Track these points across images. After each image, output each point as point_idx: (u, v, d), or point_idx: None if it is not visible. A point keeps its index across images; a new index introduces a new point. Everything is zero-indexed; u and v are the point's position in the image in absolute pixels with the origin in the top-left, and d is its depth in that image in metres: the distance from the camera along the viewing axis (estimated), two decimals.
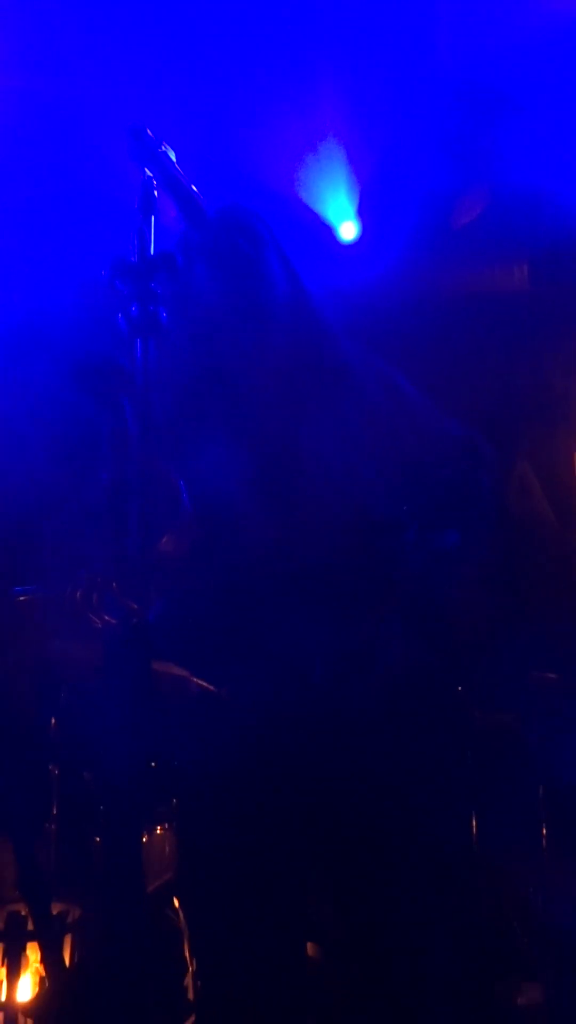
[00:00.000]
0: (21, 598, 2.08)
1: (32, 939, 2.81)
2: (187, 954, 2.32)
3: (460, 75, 3.90)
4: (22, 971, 2.92)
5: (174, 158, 1.98)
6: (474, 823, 3.53)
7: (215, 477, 2.12)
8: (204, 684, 2.15)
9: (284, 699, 2.11)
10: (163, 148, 1.96)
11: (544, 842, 3.43)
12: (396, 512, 2.25)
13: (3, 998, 2.88)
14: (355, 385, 2.31)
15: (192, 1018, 2.64)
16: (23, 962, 2.92)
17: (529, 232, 4.18)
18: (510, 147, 4.06)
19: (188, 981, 2.62)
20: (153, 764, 2.07)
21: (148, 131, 1.95)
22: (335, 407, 2.26)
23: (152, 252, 1.92)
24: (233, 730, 2.10)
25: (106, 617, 1.83)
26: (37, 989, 2.91)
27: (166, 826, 3.01)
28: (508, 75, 3.89)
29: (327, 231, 4.18)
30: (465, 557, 2.44)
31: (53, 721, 3.57)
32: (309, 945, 2.28)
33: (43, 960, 2.43)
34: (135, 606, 1.77)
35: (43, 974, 2.90)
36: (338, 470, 2.20)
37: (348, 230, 4.18)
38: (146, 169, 1.96)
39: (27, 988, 2.92)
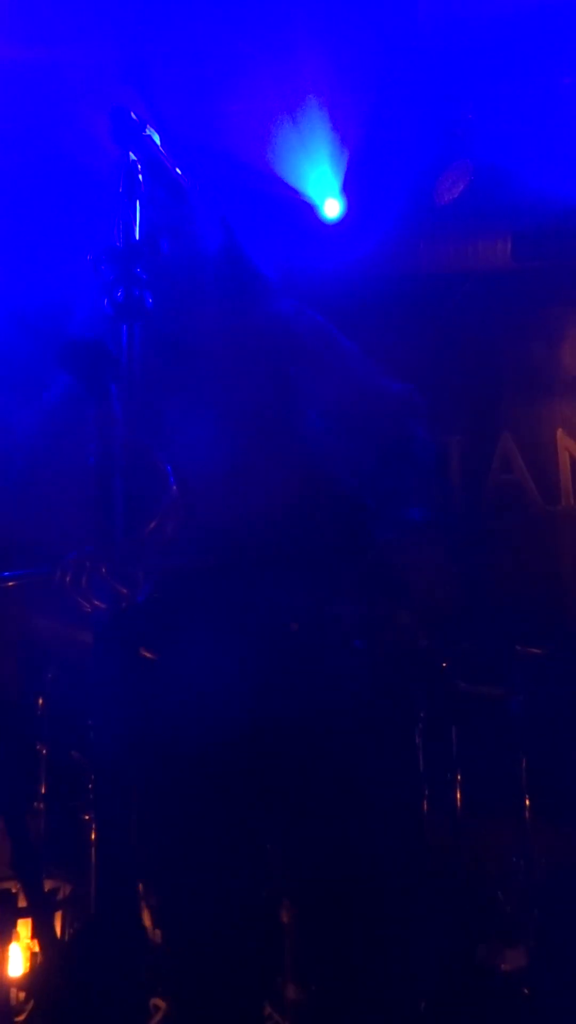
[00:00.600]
0: (9, 583, 2.08)
1: (22, 916, 2.84)
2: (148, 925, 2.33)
3: (442, 48, 3.89)
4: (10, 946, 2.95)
5: (158, 141, 1.97)
6: (458, 793, 3.59)
7: (185, 451, 2.12)
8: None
9: (261, 673, 2.12)
10: (147, 131, 1.96)
11: (527, 812, 3.49)
12: (353, 483, 2.25)
13: None
14: (295, 339, 2.30)
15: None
16: (13, 938, 2.95)
17: (511, 207, 4.18)
18: (492, 122, 4.05)
19: None
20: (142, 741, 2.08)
21: (132, 113, 1.94)
22: (277, 361, 2.26)
23: (136, 236, 1.92)
24: (213, 704, 2.11)
25: (95, 601, 1.84)
26: (29, 964, 2.95)
27: None
28: (491, 47, 3.88)
29: (310, 209, 4.17)
30: (408, 515, 2.44)
31: (40, 700, 3.60)
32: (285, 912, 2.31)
33: (36, 935, 2.46)
34: (124, 590, 1.79)
35: (35, 949, 2.94)
36: (288, 428, 2.20)
37: (332, 208, 4.17)
38: (130, 152, 1.95)
39: (18, 963, 2.96)
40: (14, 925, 2.95)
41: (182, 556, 2.00)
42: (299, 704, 2.13)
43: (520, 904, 3.44)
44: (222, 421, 2.13)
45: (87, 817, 3.28)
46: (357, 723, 2.25)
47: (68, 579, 1.89)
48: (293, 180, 3.99)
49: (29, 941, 2.94)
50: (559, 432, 4.66)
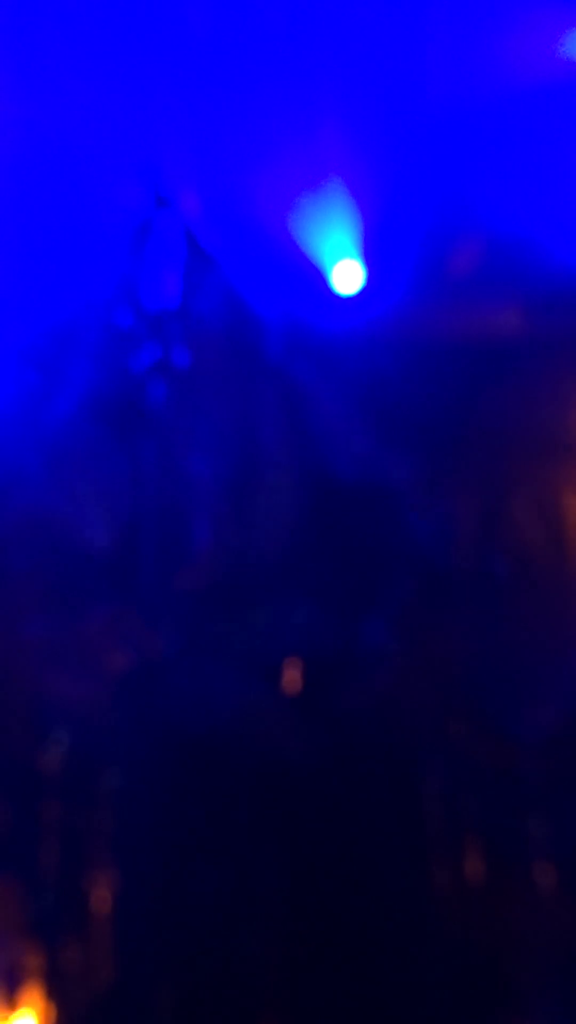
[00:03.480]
0: (31, 639, 2.08)
1: (34, 977, 2.79)
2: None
3: (454, 120, 4.00)
4: (19, 1009, 2.90)
5: (189, 204, 2.03)
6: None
7: (214, 505, 2.14)
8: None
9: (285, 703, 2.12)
10: (177, 195, 2.01)
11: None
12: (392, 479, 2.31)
13: None
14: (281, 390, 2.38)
15: None
16: (21, 1001, 2.90)
17: (526, 279, 4.25)
18: (505, 193, 4.14)
19: None
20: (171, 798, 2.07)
21: (162, 177, 2.00)
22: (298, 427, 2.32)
23: (171, 299, 1.97)
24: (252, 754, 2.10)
25: (124, 654, 1.84)
26: None
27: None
28: (505, 119, 3.99)
29: (325, 279, 4.23)
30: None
31: (51, 759, 3.56)
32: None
33: (47, 995, 2.42)
34: (153, 642, 1.79)
35: (44, 1012, 2.89)
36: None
37: (347, 278, 4.23)
38: (162, 215, 2.00)
39: None
40: (22, 987, 2.91)
41: (210, 608, 2.01)
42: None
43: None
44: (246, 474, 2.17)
45: (94, 882, 3.24)
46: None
47: (97, 633, 1.89)
48: (309, 249, 4.05)
49: (40, 1008, 2.89)
50: (569, 495, 4.67)
